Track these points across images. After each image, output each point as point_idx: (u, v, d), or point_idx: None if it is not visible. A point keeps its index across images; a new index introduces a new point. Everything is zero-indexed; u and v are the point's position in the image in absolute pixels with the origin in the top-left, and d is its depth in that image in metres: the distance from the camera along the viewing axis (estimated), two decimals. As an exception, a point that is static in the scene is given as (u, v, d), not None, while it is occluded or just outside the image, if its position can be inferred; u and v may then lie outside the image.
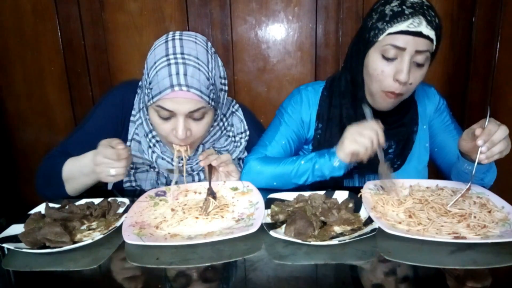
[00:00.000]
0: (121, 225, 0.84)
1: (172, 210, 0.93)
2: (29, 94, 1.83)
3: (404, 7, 0.95)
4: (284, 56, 1.79)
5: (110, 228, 0.83)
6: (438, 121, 1.17)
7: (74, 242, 0.78)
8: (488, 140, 0.84)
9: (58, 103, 1.84)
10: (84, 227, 0.87)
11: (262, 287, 0.67)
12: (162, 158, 1.07)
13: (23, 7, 1.73)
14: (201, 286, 0.68)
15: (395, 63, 0.97)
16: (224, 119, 1.12)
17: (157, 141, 1.07)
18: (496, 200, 0.91)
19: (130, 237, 0.78)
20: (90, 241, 0.78)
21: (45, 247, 0.77)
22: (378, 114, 1.08)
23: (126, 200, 0.96)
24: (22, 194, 1.92)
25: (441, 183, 1.01)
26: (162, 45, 0.97)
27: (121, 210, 0.93)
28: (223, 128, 1.12)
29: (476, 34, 1.71)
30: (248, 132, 1.16)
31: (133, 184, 1.12)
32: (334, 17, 1.72)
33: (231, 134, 1.14)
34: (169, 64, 0.92)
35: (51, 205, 0.92)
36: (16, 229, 0.83)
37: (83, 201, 0.96)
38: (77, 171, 0.98)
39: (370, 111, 1.00)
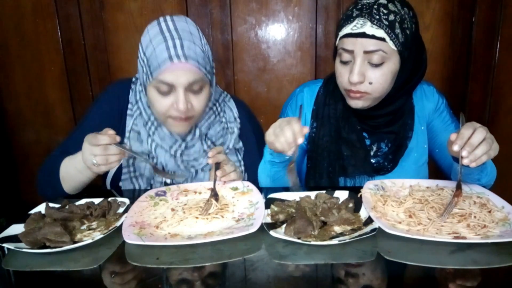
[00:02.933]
0: (121, 225, 0.84)
1: (172, 210, 0.93)
2: (29, 93, 1.83)
3: (354, 10, 0.98)
4: (284, 56, 1.79)
5: (110, 228, 0.83)
6: (438, 121, 1.16)
7: (74, 242, 0.78)
8: (464, 144, 0.83)
9: (58, 102, 1.84)
10: (84, 227, 0.87)
11: (262, 287, 0.67)
12: (161, 147, 1.08)
13: (23, 7, 1.73)
14: (201, 286, 0.68)
15: (350, 65, 1.01)
16: (217, 104, 1.16)
17: (156, 128, 1.08)
18: (496, 200, 0.91)
19: (130, 237, 0.78)
20: (90, 241, 0.78)
21: (45, 247, 0.77)
22: (364, 118, 1.10)
23: (126, 200, 0.96)
24: (22, 194, 1.92)
25: (441, 183, 1.01)
26: (155, 26, 1.00)
27: (121, 210, 0.93)
28: (216, 112, 1.15)
29: (476, 34, 1.71)
30: (239, 120, 1.18)
31: (132, 173, 1.11)
32: (334, 17, 1.72)
33: (223, 120, 1.16)
34: (165, 39, 0.96)
35: (51, 205, 0.92)
36: (16, 229, 0.83)
37: (83, 201, 0.96)
38: (72, 168, 1.00)
39: (301, 109, 1.03)
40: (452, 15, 1.70)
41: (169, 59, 0.94)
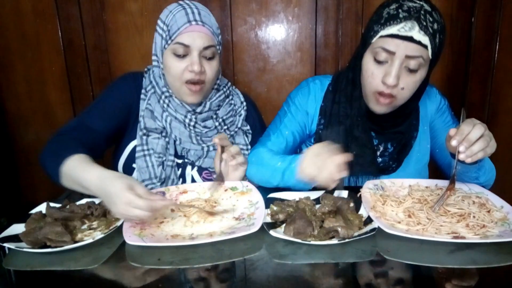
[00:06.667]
0: (121, 225, 0.84)
1: (172, 210, 0.94)
2: (29, 94, 1.83)
3: (400, 10, 0.94)
4: (284, 57, 1.79)
5: (111, 228, 0.83)
6: (439, 122, 1.17)
7: (75, 242, 0.78)
8: (463, 139, 0.84)
9: (59, 103, 1.84)
10: (85, 226, 0.87)
11: (262, 286, 0.67)
12: (175, 118, 1.12)
13: (23, 7, 1.73)
14: (202, 285, 0.68)
15: (385, 66, 0.97)
16: (227, 87, 1.23)
17: (169, 100, 1.13)
18: (495, 199, 0.91)
19: (131, 238, 0.78)
20: (91, 240, 0.78)
21: (46, 246, 0.77)
22: (374, 118, 1.09)
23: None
24: (23, 193, 1.92)
25: (440, 183, 1.02)
26: (173, 3, 1.10)
27: (121, 209, 0.93)
28: (226, 93, 1.22)
29: (476, 34, 1.71)
30: (245, 103, 1.26)
31: (145, 148, 1.13)
32: (333, 17, 1.72)
33: (232, 103, 1.23)
34: (184, 8, 1.07)
35: (52, 204, 0.92)
36: (17, 228, 0.84)
37: (84, 201, 0.96)
38: (76, 177, 0.89)
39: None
40: (452, 16, 1.71)
41: (188, 22, 1.04)
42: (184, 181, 1.16)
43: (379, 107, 1.03)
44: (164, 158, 1.12)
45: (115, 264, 0.74)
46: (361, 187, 0.97)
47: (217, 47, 1.10)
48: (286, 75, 1.81)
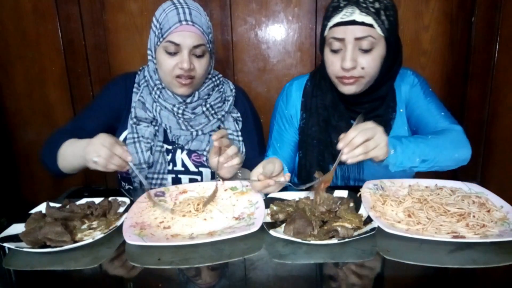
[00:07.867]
0: (121, 225, 0.84)
1: (172, 211, 0.94)
2: (30, 94, 1.84)
3: (340, 0, 1.03)
4: (284, 57, 1.79)
5: (111, 228, 0.83)
6: (412, 100, 1.18)
7: (75, 242, 0.78)
8: (347, 144, 0.89)
9: (59, 103, 1.84)
10: (84, 226, 0.87)
11: (262, 286, 0.67)
12: (165, 108, 1.18)
13: (24, 7, 1.73)
14: (202, 285, 0.69)
15: (341, 53, 1.05)
16: (216, 78, 1.29)
17: (160, 91, 1.19)
18: (495, 199, 0.91)
19: (131, 238, 0.78)
20: (90, 240, 0.78)
21: (46, 246, 0.77)
22: (351, 106, 1.14)
23: (127, 200, 0.96)
24: (23, 193, 1.92)
25: (440, 182, 1.02)
26: (168, 2, 1.15)
27: (121, 209, 0.93)
28: (216, 83, 1.27)
29: (475, 34, 1.71)
30: (234, 90, 1.31)
31: (135, 136, 1.19)
32: (334, 17, 1.72)
33: (222, 91, 1.28)
34: (176, 7, 1.12)
35: (52, 204, 0.92)
36: (17, 228, 0.84)
37: (83, 201, 0.97)
38: (70, 150, 1.06)
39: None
40: (451, 16, 1.71)
41: (179, 22, 1.09)
42: (174, 165, 1.21)
43: (347, 87, 1.08)
44: (152, 144, 1.18)
45: (115, 264, 0.75)
46: (361, 186, 0.97)
47: (207, 45, 1.15)
48: (286, 75, 1.81)
